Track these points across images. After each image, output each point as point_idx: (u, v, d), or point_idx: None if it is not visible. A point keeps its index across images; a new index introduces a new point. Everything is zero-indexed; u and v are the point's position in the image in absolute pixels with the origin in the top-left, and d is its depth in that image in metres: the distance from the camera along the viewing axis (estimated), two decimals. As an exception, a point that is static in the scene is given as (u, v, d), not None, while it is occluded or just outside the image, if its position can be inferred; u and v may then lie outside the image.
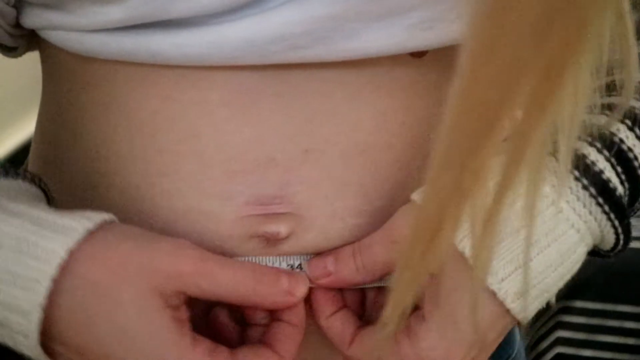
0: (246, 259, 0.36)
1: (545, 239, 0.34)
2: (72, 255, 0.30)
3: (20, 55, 0.44)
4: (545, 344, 0.91)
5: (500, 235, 0.31)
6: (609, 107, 0.36)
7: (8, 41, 0.39)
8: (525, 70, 0.22)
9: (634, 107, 0.37)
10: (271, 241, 0.36)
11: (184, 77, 0.35)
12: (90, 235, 0.31)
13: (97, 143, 0.38)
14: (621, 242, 0.37)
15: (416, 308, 0.36)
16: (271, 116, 0.35)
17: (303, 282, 0.35)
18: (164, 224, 0.37)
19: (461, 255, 0.33)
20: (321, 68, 0.35)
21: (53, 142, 0.41)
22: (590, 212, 0.35)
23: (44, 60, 0.42)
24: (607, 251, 0.38)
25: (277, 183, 0.36)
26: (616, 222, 0.35)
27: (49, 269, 0.29)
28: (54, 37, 0.36)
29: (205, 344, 0.32)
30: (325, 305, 0.37)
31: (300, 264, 0.37)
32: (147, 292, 0.31)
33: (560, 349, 0.90)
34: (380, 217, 0.37)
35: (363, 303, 0.39)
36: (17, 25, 0.38)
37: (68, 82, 0.39)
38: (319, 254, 0.37)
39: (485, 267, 0.30)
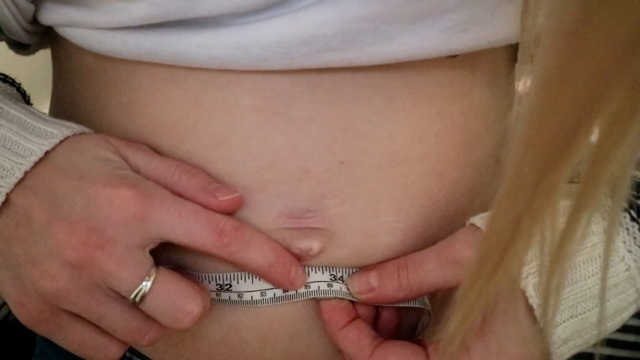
0: None
1: (608, 292, 0.34)
2: (47, 155, 0.32)
3: (32, 53, 0.43)
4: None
5: (567, 276, 0.31)
6: None
7: (23, 38, 0.38)
8: (607, 89, 0.21)
9: None
10: (302, 257, 0.35)
11: (212, 80, 0.34)
12: (67, 140, 0.33)
13: None
14: None
15: None
16: (305, 124, 0.34)
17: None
18: None
19: (520, 291, 0.33)
20: (354, 72, 0.34)
21: None
22: None
23: (57, 59, 0.41)
24: None
25: (311, 196, 0.35)
26: None
27: (25, 163, 0.32)
28: (73, 34, 0.35)
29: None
30: (338, 316, 0.36)
31: (342, 276, 0.36)
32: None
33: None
34: (413, 236, 0.36)
35: (374, 321, 0.38)
36: (34, 21, 0.36)
37: (85, 81, 0.37)
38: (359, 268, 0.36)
39: (554, 309, 0.29)
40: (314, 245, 0.35)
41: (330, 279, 0.36)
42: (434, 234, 0.37)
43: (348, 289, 0.36)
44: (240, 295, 0.35)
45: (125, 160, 0.34)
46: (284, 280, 0.34)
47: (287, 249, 0.35)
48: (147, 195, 0.31)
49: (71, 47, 0.37)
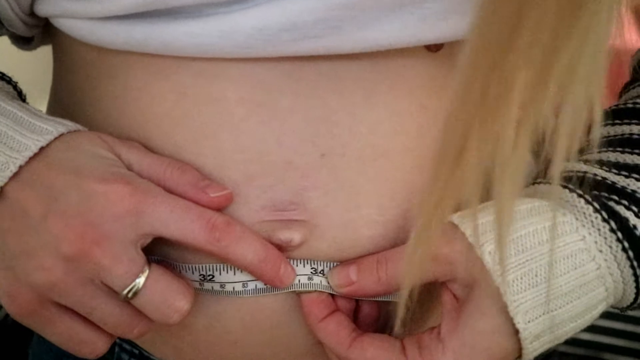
0: None
1: (578, 290, 0.34)
2: (42, 150, 0.33)
3: (34, 48, 0.43)
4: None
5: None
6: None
7: (23, 30, 0.39)
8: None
9: None
10: (283, 248, 0.36)
11: (200, 72, 0.35)
12: (62, 137, 0.34)
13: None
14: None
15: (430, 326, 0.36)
16: (289, 116, 0.35)
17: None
18: None
19: (485, 278, 0.33)
20: (336, 64, 0.34)
21: None
22: (615, 257, 0.35)
23: (57, 52, 0.41)
24: (624, 308, 0.38)
25: (293, 188, 0.35)
26: (638, 271, 0.35)
27: (20, 158, 0.32)
28: (67, 26, 0.35)
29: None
30: (317, 308, 0.36)
31: (322, 270, 0.37)
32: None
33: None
34: (393, 229, 0.37)
35: (354, 314, 0.39)
36: (32, 14, 0.37)
37: (82, 74, 0.38)
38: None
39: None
40: (295, 236, 0.35)
41: (311, 272, 0.36)
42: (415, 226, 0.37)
43: (328, 282, 0.36)
44: (222, 285, 0.36)
45: (119, 157, 0.34)
46: (274, 276, 0.35)
47: (268, 240, 0.35)
48: (141, 192, 0.32)
49: (67, 40, 0.38)
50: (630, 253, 0.34)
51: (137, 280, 0.32)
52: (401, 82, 0.36)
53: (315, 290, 0.36)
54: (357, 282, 0.36)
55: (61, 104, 0.41)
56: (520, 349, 0.34)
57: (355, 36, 0.32)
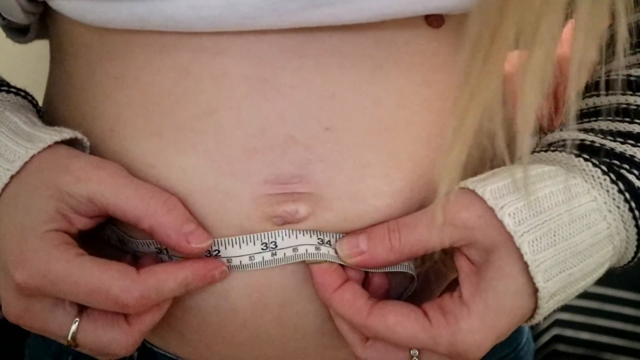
0: (270, 232, 0.36)
1: (590, 249, 0.36)
2: (33, 158, 0.34)
3: (29, 40, 0.43)
4: (543, 324, 0.92)
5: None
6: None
7: (21, 18, 0.38)
8: None
9: None
10: (289, 221, 0.36)
11: (202, 48, 0.35)
12: (56, 145, 0.35)
13: (111, 121, 0.37)
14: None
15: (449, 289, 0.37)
16: (292, 92, 0.35)
17: (205, 239, 0.35)
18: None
19: (505, 241, 0.34)
20: (341, 39, 0.35)
21: (64, 123, 0.40)
22: (622, 217, 0.36)
23: (55, 38, 0.41)
24: (621, 267, 0.40)
25: (297, 162, 0.35)
26: None
27: (12, 168, 0.34)
28: (67, 7, 0.35)
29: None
30: (330, 278, 0.36)
31: (329, 240, 0.36)
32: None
33: (558, 331, 0.90)
34: (400, 200, 0.37)
35: (364, 287, 0.38)
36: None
37: (80, 57, 0.38)
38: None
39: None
40: (301, 208, 0.35)
41: (318, 243, 0.36)
42: (421, 198, 0.38)
43: (337, 253, 0.36)
44: (229, 260, 0.36)
45: (87, 196, 0.34)
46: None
47: (273, 213, 0.35)
48: (40, 276, 0.33)
49: (66, 23, 0.38)
50: (637, 213, 0.36)
51: (69, 337, 0.34)
52: (405, 58, 0.36)
53: (325, 261, 0.36)
54: (368, 251, 0.35)
55: (58, 92, 0.41)
56: (534, 309, 0.35)
57: (361, 4, 0.33)
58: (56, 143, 0.35)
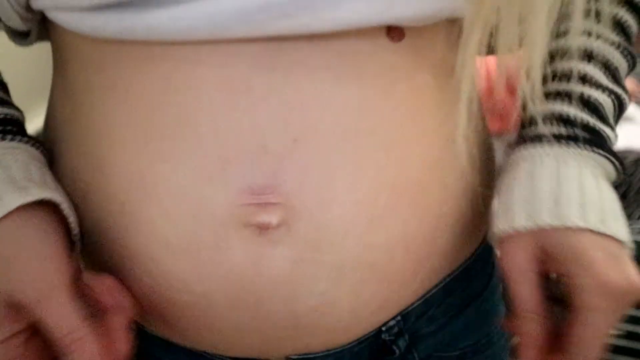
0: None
1: None
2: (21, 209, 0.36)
3: (31, 43, 0.45)
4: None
5: None
6: None
7: (19, 24, 0.40)
8: None
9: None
10: (263, 230, 0.37)
11: (184, 59, 0.36)
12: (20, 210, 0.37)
13: (102, 128, 0.39)
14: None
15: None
16: (263, 103, 0.37)
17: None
18: (161, 209, 0.38)
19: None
20: (308, 52, 0.37)
21: (63, 127, 0.42)
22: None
23: (55, 47, 0.43)
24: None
25: (268, 172, 0.37)
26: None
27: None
28: (61, 18, 0.37)
29: None
30: None
31: None
32: None
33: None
34: (365, 207, 0.39)
35: None
36: (28, 8, 0.39)
37: (79, 66, 0.40)
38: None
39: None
40: (273, 219, 0.37)
41: None
42: (385, 204, 0.39)
43: None
44: None
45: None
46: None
47: (248, 224, 0.37)
48: None
49: (63, 33, 0.39)
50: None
51: None
52: (366, 70, 0.38)
53: None
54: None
55: (58, 100, 0.43)
56: None
57: (327, 15, 0.35)
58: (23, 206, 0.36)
